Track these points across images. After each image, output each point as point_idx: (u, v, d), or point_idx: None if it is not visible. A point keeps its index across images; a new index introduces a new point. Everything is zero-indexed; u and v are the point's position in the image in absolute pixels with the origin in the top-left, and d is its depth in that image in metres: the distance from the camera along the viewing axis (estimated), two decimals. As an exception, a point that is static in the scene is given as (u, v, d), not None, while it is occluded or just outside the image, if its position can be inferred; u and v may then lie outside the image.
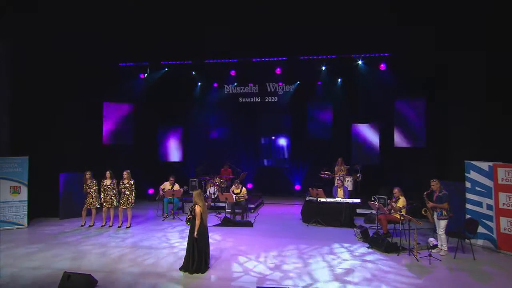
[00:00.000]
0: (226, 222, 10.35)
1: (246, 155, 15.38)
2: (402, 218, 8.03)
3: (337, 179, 11.80)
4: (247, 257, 7.65)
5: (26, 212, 10.14)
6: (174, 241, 8.77)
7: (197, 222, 6.70)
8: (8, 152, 10.59)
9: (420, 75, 10.85)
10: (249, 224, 10.36)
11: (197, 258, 6.69)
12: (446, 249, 7.86)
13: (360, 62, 12.43)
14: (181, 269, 6.79)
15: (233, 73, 13.11)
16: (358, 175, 12.10)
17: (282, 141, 15.75)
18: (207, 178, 13.16)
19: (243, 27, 10.43)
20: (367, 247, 8.27)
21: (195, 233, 6.68)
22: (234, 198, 11.01)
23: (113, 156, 12.65)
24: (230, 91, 14.23)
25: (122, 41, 11.21)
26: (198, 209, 6.73)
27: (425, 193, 7.92)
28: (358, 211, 11.10)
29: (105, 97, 12.60)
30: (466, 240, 7.91)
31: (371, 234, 8.81)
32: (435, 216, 7.91)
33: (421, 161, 11.24)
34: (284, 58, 12.20)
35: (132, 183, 9.93)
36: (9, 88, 10.67)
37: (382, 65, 11.72)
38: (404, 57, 10.89)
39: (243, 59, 12.31)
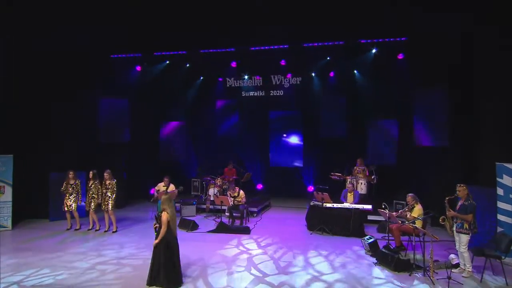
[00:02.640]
0: (221, 228, 9.38)
1: (254, 154, 14.35)
2: (415, 230, 6.73)
3: (349, 182, 10.60)
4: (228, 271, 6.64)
5: (11, 214, 9.59)
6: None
7: (163, 230, 5.77)
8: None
9: (443, 63, 9.34)
10: (246, 231, 9.35)
11: (162, 272, 5.77)
12: (470, 269, 6.51)
13: (374, 50, 11.07)
14: (147, 284, 5.89)
15: (233, 64, 12.04)
16: (372, 177, 10.79)
17: (293, 139, 14.57)
18: (209, 178, 12.27)
19: (238, 13, 9.34)
20: (375, 263, 7.04)
21: (157, 240, 5.76)
22: (231, 201, 10.08)
23: (109, 155, 11.95)
24: (232, 85, 13.18)
25: (114, 31, 10.41)
26: (164, 216, 5.80)
27: (447, 198, 6.59)
28: (371, 217, 9.84)
29: (99, 92, 11.87)
30: (497, 260, 6.51)
31: (381, 247, 7.58)
32: (454, 228, 6.57)
33: (445, 162, 9.75)
34: (285, 46, 10.99)
35: (113, 183, 9.15)
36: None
37: (399, 54, 10.30)
38: (423, 42, 9.42)
39: (242, 48, 11.20)
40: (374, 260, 7.18)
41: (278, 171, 14.45)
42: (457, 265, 6.72)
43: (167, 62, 12.48)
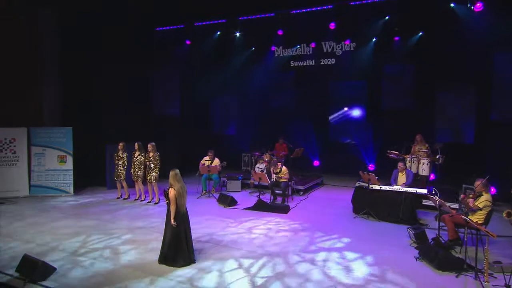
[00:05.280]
0: (259, 206, 9.01)
1: (312, 128, 13.52)
2: (468, 223, 5.51)
3: (408, 160, 9.34)
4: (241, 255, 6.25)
5: (72, 181, 10.44)
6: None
7: (172, 208, 5.57)
8: (59, 122, 11.02)
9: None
10: (285, 210, 8.83)
11: (172, 250, 5.62)
12: (542, 277, 5.13)
13: (452, 5, 9.20)
14: (159, 262, 5.80)
15: (280, 32, 11.11)
16: (437, 157, 9.28)
17: (355, 112, 13.34)
18: (258, 153, 11.89)
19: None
20: (416, 258, 6.01)
21: (172, 220, 5.57)
22: (273, 178, 9.60)
23: (162, 127, 12.29)
24: (281, 54, 12.29)
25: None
26: (171, 193, 5.56)
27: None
28: (427, 203, 8.49)
29: (151, 65, 12.10)
30: None
31: (430, 239, 6.48)
32: (524, 225, 5.21)
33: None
34: (329, 7, 9.70)
35: (156, 156, 9.31)
36: (58, 58, 10.97)
37: (477, 3, 8.26)
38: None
39: (282, 12, 10.21)
40: (417, 253, 6.14)
41: (337, 146, 13.46)
42: (525, 270, 5.37)
43: (218, 33, 12.12)
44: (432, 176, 9.77)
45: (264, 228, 7.59)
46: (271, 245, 6.60)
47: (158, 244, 6.35)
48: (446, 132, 10.36)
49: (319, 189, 11.43)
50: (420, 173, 9.49)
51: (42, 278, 5.06)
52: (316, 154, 13.74)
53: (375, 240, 6.85)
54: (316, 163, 13.62)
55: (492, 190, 8.90)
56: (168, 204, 5.65)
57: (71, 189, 10.44)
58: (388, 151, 9.98)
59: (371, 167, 12.74)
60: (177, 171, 5.76)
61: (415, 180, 9.52)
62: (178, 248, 5.62)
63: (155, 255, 5.98)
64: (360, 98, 12.87)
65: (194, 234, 6.70)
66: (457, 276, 5.34)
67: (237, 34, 11.70)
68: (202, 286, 5.11)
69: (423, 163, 9.48)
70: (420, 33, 10.38)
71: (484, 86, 9.01)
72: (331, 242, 6.77)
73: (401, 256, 6.13)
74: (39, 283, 5.00)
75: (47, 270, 5.17)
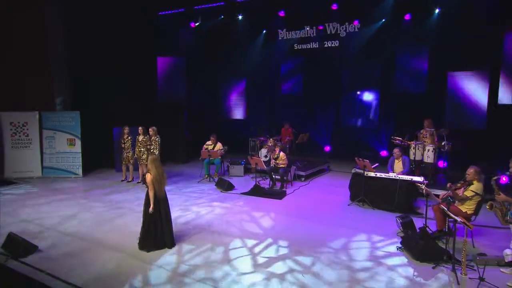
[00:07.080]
0: (255, 191, 9.01)
1: (323, 112, 13.25)
2: (445, 212, 5.23)
3: (412, 147, 8.97)
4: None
5: (81, 163, 10.86)
6: (180, 208, 7.92)
7: (150, 193, 5.61)
8: (69, 106, 11.45)
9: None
10: (280, 195, 8.78)
11: (151, 235, 5.70)
12: (526, 272, 4.82)
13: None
14: (139, 247, 5.89)
15: (282, 13, 10.78)
16: (443, 143, 8.82)
17: (366, 97, 12.90)
18: (263, 138, 11.82)
19: None
20: (398, 248, 5.81)
21: (151, 206, 5.62)
22: (273, 163, 9.54)
23: (170, 112, 12.45)
24: (285, 37, 11.94)
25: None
26: (148, 178, 5.61)
27: (494, 178, 4.94)
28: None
29: (156, 49, 12.19)
30: None
31: (418, 228, 6.23)
32: (508, 217, 4.88)
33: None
34: None
35: (157, 139, 9.48)
36: (66, 46, 11.33)
37: None
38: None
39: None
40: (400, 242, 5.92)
41: (348, 132, 13.14)
42: (510, 264, 5.05)
43: (222, 16, 12.02)
44: (444, 164, 9.32)
45: (254, 215, 7.59)
46: (249, 229, 6.61)
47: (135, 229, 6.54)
48: (457, 117, 9.78)
49: (323, 175, 11.22)
50: (425, 160, 9.07)
51: (23, 255, 5.36)
52: (327, 139, 13.49)
53: (361, 228, 6.68)
54: (327, 148, 13.38)
55: (504, 179, 8.44)
56: (148, 191, 5.71)
57: (80, 171, 10.87)
58: (392, 137, 9.63)
59: (383, 153, 12.35)
60: (156, 156, 5.80)
61: (420, 167, 9.17)
62: (159, 233, 5.69)
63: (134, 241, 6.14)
64: (371, 81, 12.43)
65: (178, 218, 6.87)
66: (433, 267, 5.12)
67: (240, 17, 11.50)
68: (180, 269, 5.22)
69: (428, 150, 9.04)
70: (437, 10, 9.71)
71: (496, 69, 8.37)
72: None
73: (384, 245, 5.94)
74: (20, 259, 5.30)
75: (28, 248, 5.46)
